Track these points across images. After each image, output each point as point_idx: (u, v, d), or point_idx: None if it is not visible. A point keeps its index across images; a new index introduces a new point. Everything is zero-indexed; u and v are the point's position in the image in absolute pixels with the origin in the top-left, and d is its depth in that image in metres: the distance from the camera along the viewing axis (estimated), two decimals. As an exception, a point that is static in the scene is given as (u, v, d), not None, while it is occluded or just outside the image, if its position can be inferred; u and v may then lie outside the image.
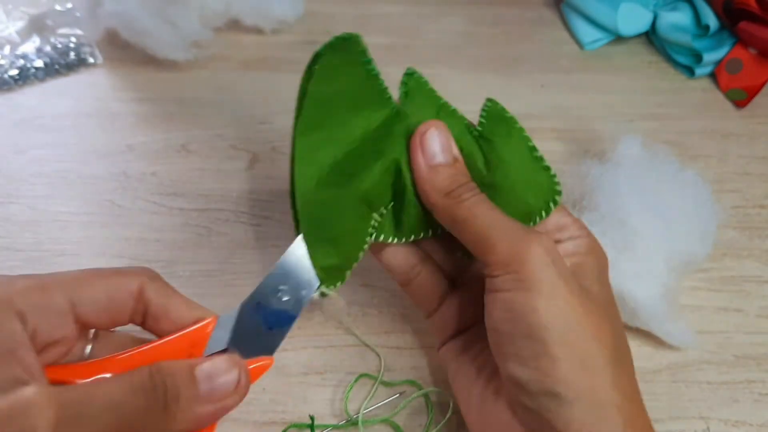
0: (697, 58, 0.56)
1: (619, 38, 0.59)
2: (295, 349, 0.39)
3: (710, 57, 0.55)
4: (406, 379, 0.38)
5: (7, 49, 0.55)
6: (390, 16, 0.61)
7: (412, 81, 0.34)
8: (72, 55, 0.55)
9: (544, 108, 0.53)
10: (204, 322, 0.27)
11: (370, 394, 0.37)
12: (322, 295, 0.31)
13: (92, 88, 0.53)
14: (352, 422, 0.36)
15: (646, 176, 0.42)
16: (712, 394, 0.38)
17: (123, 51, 0.55)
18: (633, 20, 0.58)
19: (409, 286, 0.35)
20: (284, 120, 0.53)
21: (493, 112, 0.34)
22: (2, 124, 0.50)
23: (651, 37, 0.60)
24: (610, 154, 0.44)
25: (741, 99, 0.55)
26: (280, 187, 0.47)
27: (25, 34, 0.56)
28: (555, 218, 0.32)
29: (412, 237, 0.33)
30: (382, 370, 0.38)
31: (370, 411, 0.36)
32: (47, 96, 0.53)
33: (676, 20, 0.57)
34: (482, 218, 0.29)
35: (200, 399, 0.24)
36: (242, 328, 0.28)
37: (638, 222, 0.39)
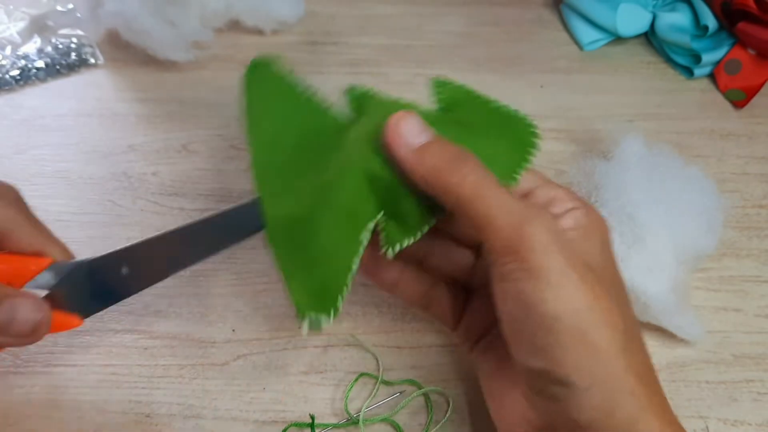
0: (696, 58, 0.56)
1: (618, 39, 0.59)
2: (295, 349, 0.39)
3: (709, 57, 0.56)
4: (406, 378, 0.38)
5: (8, 50, 0.55)
6: (390, 17, 0.62)
7: (355, 93, 0.34)
8: (73, 55, 0.55)
9: (544, 108, 0.54)
10: (38, 258, 0.28)
11: (372, 394, 0.37)
12: (312, 326, 0.27)
13: (93, 89, 0.54)
14: (353, 421, 0.36)
15: (651, 172, 0.42)
16: (711, 393, 0.38)
17: (124, 51, 0.55)
18: (632, 21, 0.58)
19: (429, 309, 0.36)
20: (284, 120, 0.54)
21: (441, 86, 0.34)
22: (4, 125, 0.50)
23: (650, 37, 0.60)
24: (612, 154, 0.44)
25: (740, 99, 0.55)
26: (280, 187, 0.47)
27: (26, 35, 0.56)
28: (545, 192, 0.31)
29: (420, 231, 0.31)
30: (382, 369, 0.38)
31: (370, 410, 0.36)
32: (48, 96, 0.53)
33: (675, 21, 0.57)
34: (484, 198, 0.28)
35: None
36: (71, 282, 0.28)
37: (646, 216, 0.39)
